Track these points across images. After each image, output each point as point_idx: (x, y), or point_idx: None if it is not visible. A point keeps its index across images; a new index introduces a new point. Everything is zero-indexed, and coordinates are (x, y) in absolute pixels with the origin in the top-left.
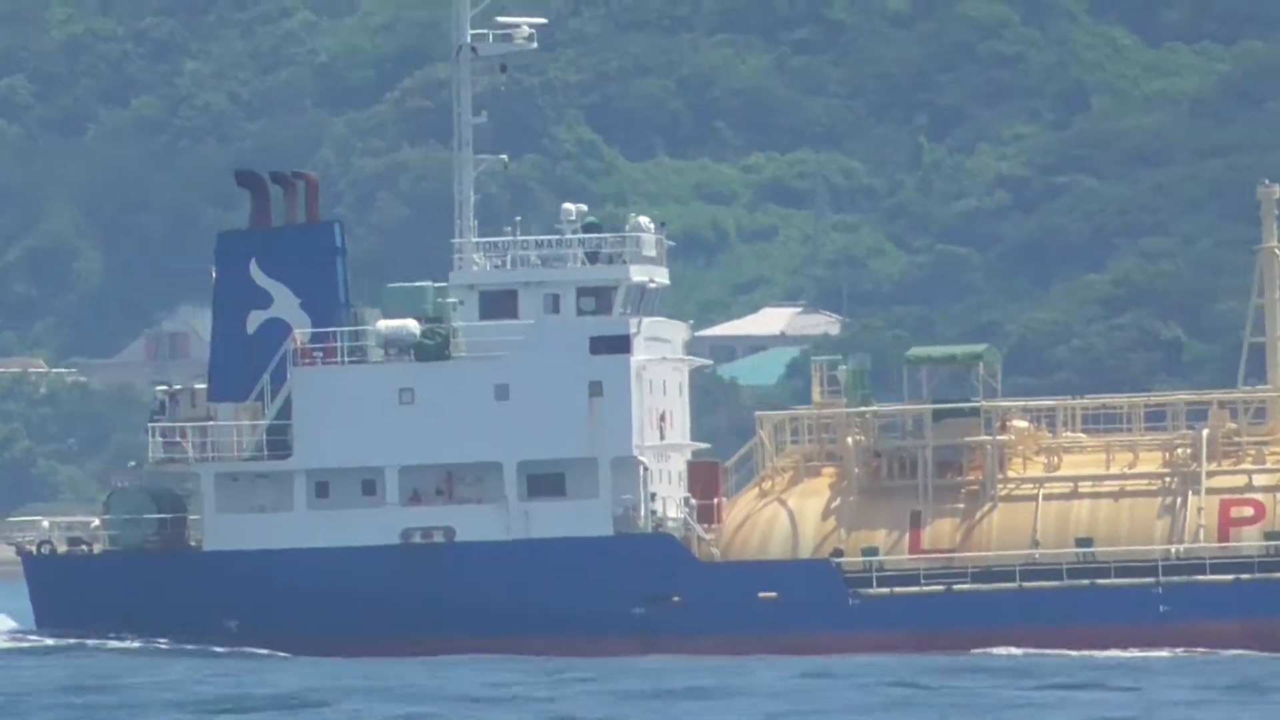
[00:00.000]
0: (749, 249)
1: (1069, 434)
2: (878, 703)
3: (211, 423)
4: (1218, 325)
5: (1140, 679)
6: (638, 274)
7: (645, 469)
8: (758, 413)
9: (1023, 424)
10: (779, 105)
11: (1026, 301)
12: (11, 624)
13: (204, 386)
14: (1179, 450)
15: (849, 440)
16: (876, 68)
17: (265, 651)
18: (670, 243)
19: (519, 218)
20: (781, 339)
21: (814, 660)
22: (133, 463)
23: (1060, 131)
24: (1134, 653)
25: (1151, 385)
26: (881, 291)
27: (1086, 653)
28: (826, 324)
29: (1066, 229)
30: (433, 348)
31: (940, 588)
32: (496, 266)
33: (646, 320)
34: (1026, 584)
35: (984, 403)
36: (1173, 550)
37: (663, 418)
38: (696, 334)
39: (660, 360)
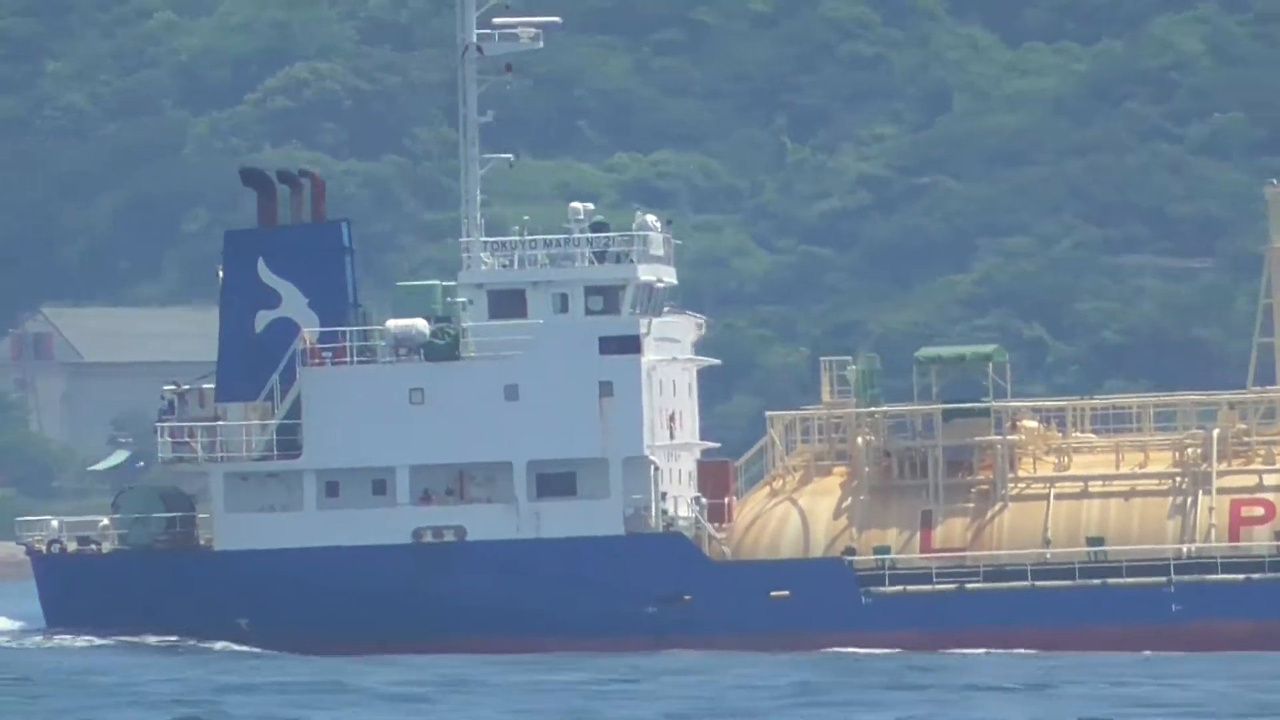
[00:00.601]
0: None
1: (1079, 434)
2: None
3: (221, 423)
4: (1079, 325)
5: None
6: (646, 273)
7: (656, 469)
8: (768, 412)
9: (1032, 424)
10: (641, 106)
11: (889, 302)
12: (15, 625)
13: (212, 386)
14: (1189, 450)
15: (859, 440)
16: (738, 69)
17: (274, 651)
18: (676, 241)
19: (526, 217)
20: None
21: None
22: (140, 463)
23: (921, 132)
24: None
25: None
26: (745, 291)
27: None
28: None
29: (928, 229)
30: (442, 347)
31: (952, 586)
32: (504, 266)
33: (656, 320)
34: (1038, 583)
35: (994, 403)
36: (1184, 550)
37: (672, 417)
38: None
39: (670, 360)
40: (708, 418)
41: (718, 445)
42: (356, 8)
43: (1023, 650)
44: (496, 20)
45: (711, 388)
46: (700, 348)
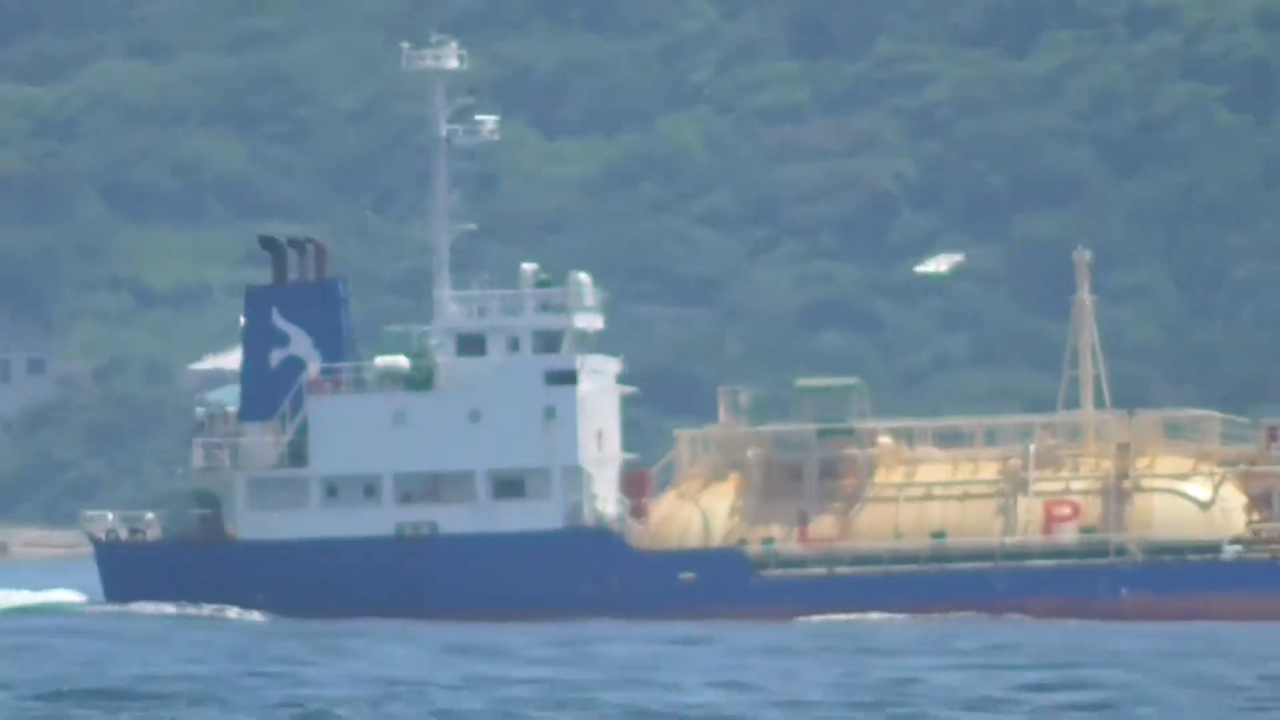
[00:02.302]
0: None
1: (924, 449)
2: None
3: (243, 439)
4: None
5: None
6: (580, 321)
7: (588, 476)
8: (676, 430)
9: (887, 440)
10: (256, 184)
11: None
12: (81, 597)
13: (235, 410)
14: (1011, 462)
15: (749, 453)
16: (333, 154)
17: (285, 619)
18: (601, 293)
19: (486, 275)
20: None
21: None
22: (180, 470)
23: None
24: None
25: None
26: None
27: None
28: None
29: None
30: (420, 380)
31: (824, 571)
32: (469, 315)
33: (589, 357)
34: (892, 568)
35: (857, 424)
36: (1007, 541)
37: (600, 434)
38: (191, 367)
39: (600, 390)
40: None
41: (637, 456)
42: None
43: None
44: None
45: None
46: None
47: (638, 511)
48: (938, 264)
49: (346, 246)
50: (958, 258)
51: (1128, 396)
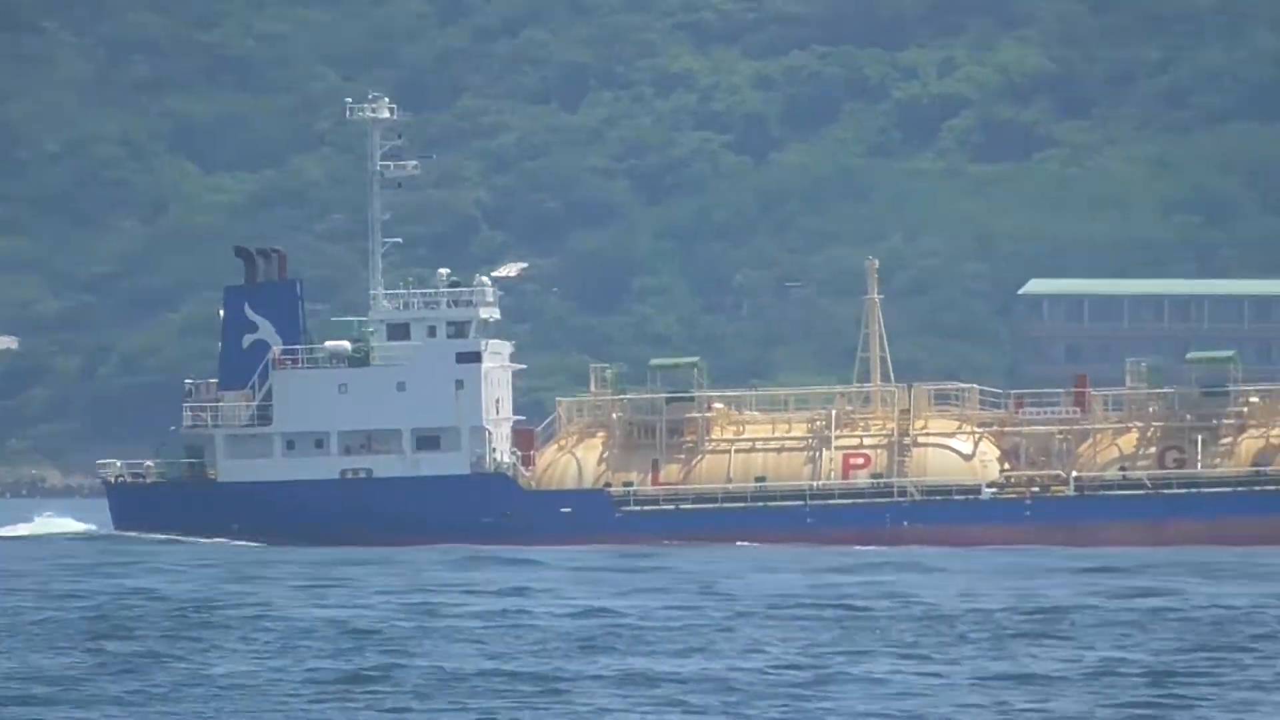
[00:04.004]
0: None
1: (749, 413)
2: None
3: (222, 403)
4: None
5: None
6: (484, 313)
7: (489, 433)
8: (558, 398)
9: (720, 406)
10: None
11: None
12: (92, 527)
13: (215, 381)
14: (817, 423)
15: (614, 415)
16: None
17: (256, 544)
18: (500, 293)
19: (410, 278)
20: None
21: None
22: (173, 427)
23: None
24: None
25: None
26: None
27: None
28: (8, 343)
29: None
30: (360, 358)
31: (672, 507)
32: (396, 309)
33: (489, 341)
34: (725, 505)
35: (697, 393)
36: (815, 485)
37: (498, 401)
38: None
39: (498, 367)
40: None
41: (524, 418)
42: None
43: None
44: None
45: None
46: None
47: (526, 461)
48: (508, 270)
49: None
50: (523, 265)
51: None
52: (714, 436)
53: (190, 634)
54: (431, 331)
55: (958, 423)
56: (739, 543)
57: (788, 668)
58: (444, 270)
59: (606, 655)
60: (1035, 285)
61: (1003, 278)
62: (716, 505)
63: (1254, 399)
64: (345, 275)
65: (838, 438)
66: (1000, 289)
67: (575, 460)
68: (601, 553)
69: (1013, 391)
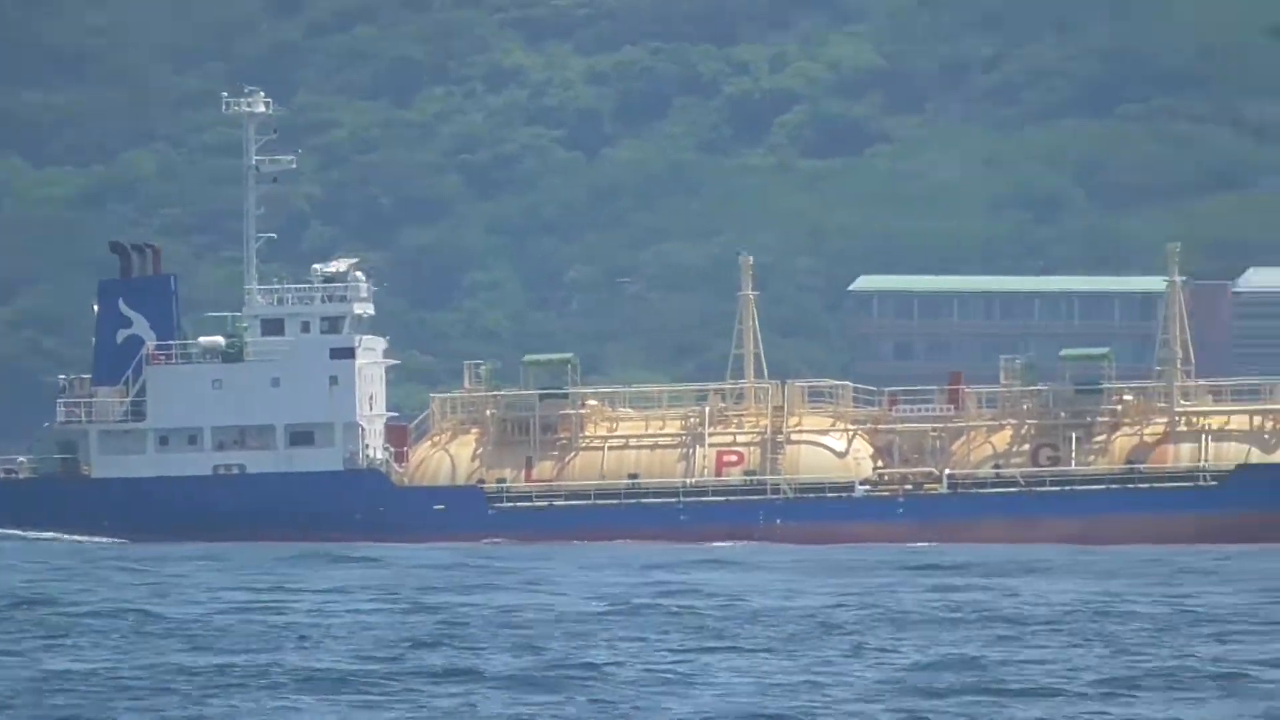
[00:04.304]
0: None
1: (622, 409)
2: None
3: (96, 399)
4: None
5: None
6: (358, 309)
7: (362, 429)
8: (431, 394)
9: (594, 402)
10: None
11: None
12: None
13: (89, 376)
14: (691, 420)
15: (488, 412)
16: None
17: (124, 540)
18: (374, 288)
19: (283, 274)
20: None
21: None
22: (46, 423)
23: None
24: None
25: None
26: None
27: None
28: None
29: None
30: (233, 354)
31: (545, 504)
32: (271, 304)
33: (363, 337)
34: (599, 502)
35: (571, 389)
36: (688, 482)
37: (371, 397)
38: None
39: (371, 363)
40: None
41: (397, 414)
42: None
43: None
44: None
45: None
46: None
47: (400, 457)
48: (338, 265)
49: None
50: (354, 260)
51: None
52: (588, 433)
53: None
54: (305, 327)
55: (831, 420)
56: (614, 540)
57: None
58: (318, 265)
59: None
60: (865, 281)
61: (834, 274)
62: (590, 502)
63: (1127, 397)
64: (181, 270)
65: (711, 435)
66: (832, 285)
67: (449, 457)
68: (455, 550)
69: (886, 389)
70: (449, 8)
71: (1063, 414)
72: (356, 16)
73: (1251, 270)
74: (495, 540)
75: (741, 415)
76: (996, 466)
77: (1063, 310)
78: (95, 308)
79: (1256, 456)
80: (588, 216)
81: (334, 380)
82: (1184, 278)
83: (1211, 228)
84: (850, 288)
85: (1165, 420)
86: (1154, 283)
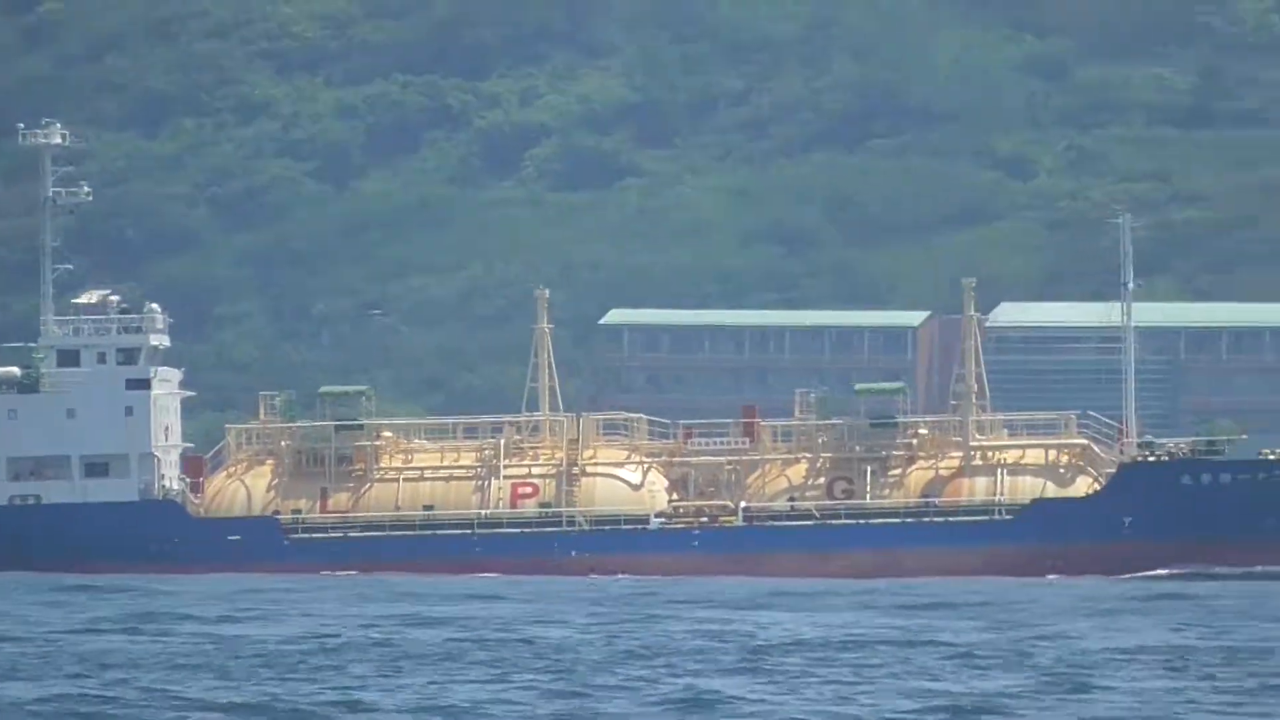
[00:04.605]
0: None
1: (418, 441)
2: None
3: None
4: None
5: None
6: (154, 340)
7: (158, 459)
8: (227, 425)
9: (389, 434)
10: None
11: None
12: None
13: None
14: (486, 452)
15: (283, 443)
16: None
17: None
18: (170, 320)
19: (75, 301)
20: None
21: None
22: None
23: None
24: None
25: None
26: None
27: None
28: None
29: None
30: (29, 385)
31: (340, 535)
32: (67, 335)
33: (159, 368)
34: (393, 532)
35: (366, 421)
36: (483, 514)
37: (167, 428)
38: None
39: (167, 394)
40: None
41: (192, 445)
42: None
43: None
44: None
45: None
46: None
47: (196, 488)
48: (88, 297)
49: None
50: (105, 292)
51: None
52: (383, 465)
53: None
54: (101, 358)
55: (626, 452)
56: (407, 573)
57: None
58: (115, 297)
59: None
60: (615, 315)
61: (584, 307)
62: (384, 533)
63: (923, 430)
64: None
65: (506, 467)
66: (581, 318)
67: (244, 487)
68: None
69: (682, 422)
70: (198, 39)
71: (858, 447)
72: (106, 48)
73: (1003, 305)
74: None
75: (537, 448)
76: (792, 499)
77: (813, 344)
78: None
79: (1051, 491)
80: (337, 249)
81: (129, 411)
82: (928, 312)
83: (962, 262)
84: (601, 321)
85: (960, 454)
86: (904, 317)
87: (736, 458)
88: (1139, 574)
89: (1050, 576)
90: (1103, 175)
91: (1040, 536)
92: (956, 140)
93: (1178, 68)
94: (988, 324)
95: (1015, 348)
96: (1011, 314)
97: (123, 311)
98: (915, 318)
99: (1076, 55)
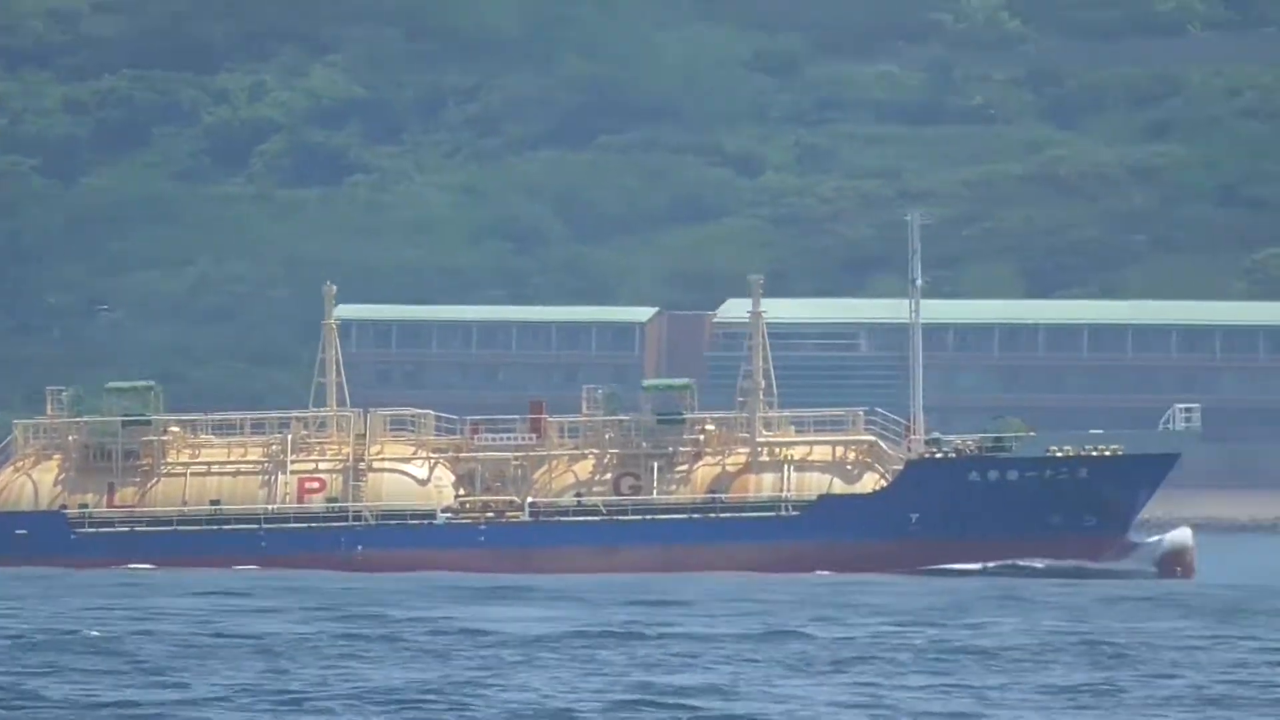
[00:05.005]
0: None
1: (206, 436)
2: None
3: None
4: None
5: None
6: None
7: None
8: (15, 420)
9: (176, 429)
10: None
11: None
12: None
13: None
14: (274, 447)
15: (70, 438)
16: None
17: None
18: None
19: None
20: None
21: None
22: None
23: None
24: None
25: None
26: None
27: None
28: None
29: None
30: None
31: (127, 529)
32: None
33: None
34: (181, 528)
35: (154, 416)
36: (270, 508)
37: None
38: None
39: None
40: None
41: None
42: None
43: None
44: None
45: None
46: None
47: None
48: None
49: None
50: None
51: None
52: (170, 460)
53: None
54: None
55: (413, 448)
56: (194, 568)
57: None
58: None
59: None
60: (343, 310)
61: (310, 303)
62: (171, 528)
63: (710, 427)
64: None
65: (293, 462)
66: (308, 314)
67: (31, 482)
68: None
69: (469, 417)
70: None
71: (644, 444)
72: None
73: (730, 301)
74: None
75: (324, 443)
76: (578, 495)
77: (540, 340)
78: None
79: (838, 487)
80: (66, 244)
81: None
82: (656, 308)
83: (689, 258)
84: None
85: (747, 451)
86: (632, 313)
87: (523, 453)
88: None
89: (820, 572)
90: (831, 172)
91: (826, 533)
92: (685, 137)
93: (907, 65)
94: (715, 320)
95: (742, 344)
96: (738, 310)
97: None
98: (643, 314)
99: (805, 52)
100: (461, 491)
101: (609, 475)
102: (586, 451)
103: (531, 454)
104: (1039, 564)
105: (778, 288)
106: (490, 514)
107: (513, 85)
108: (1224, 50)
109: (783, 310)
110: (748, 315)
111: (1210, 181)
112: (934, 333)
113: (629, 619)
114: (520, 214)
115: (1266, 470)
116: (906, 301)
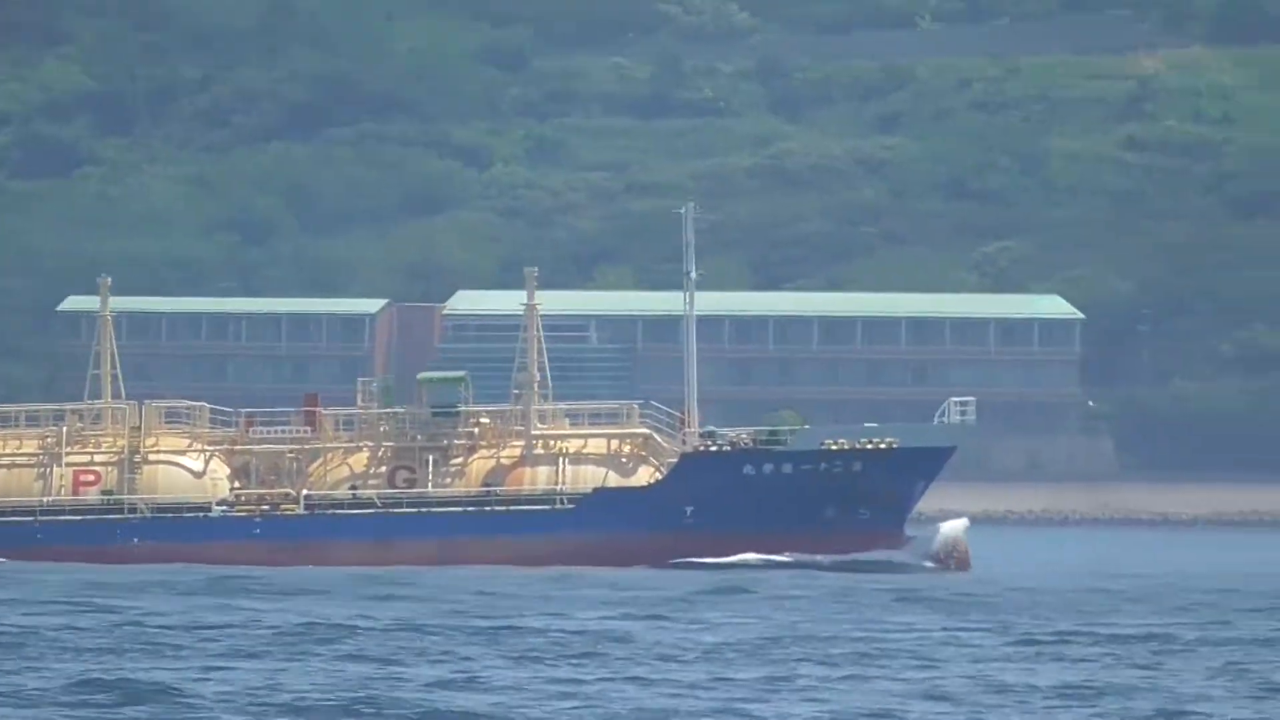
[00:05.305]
0: None
1: None
2: None
3: None
4: None
5: None
6: None
7: None
8: None
9: None
10: None
11: None
12: None
13: None
14: (49, 440)
15: None
16: None
17: None
18: None
19: None
20: None
21: None
22: None
23: None
24: None
25: None
26: None
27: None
28: None
29: None
30: None
31: None
32: None
33: None
34: None
35: None
36: (44, 501)
37: None
38: None
39: None
40: None
41: None
42: None
43: None
44: None
45: None
46: None
47: None
48: None
49: None
50: None
51: None
52: None
53: None
54: None
55: (189, 440)
56: None
57: None
58: None
59: None
60: (73, 302)
61: (42, 294)
62: None
63: (484, 420)
64: None
65: (68, 454)
66: (40, 305)
67: None
68: None
69: (244, 410)
70: None
71: (419, 436)
72: None
73: (460, 293)
74: None
75: (99, 435)
76: (354, 488)
77: (270, 331)
78: None
79: (613, 480)
80: None
81: None
82: (386, 299)
83: (419, 250)
84: (59, 308)
85: (522, 443)
86: (362, 304)
87: (298, 446)
88: (698, 561)
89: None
90: (560, 165)
91: (601, 526)
92: (414, 129)
93: (636, 57)
94: (445, 312)
95: (472, 336)
96: (468, 302)
97: None
98: (373, 305)
99: (535, 45)
100: (237, 484)
101: (384, 468)
102: (362, 444)
103: (306, 447)
104: (821, 558)
105: (507, 280)
106: (266, 507)
107: (243, 78)
108: (953, 43)
109: (512, 303)
110: (479, 309)
111: (939, 174)
112: (663, 325)
113: (354, 613)
114: (250, 206)
115: (997, 463)
116: (634, 294)
